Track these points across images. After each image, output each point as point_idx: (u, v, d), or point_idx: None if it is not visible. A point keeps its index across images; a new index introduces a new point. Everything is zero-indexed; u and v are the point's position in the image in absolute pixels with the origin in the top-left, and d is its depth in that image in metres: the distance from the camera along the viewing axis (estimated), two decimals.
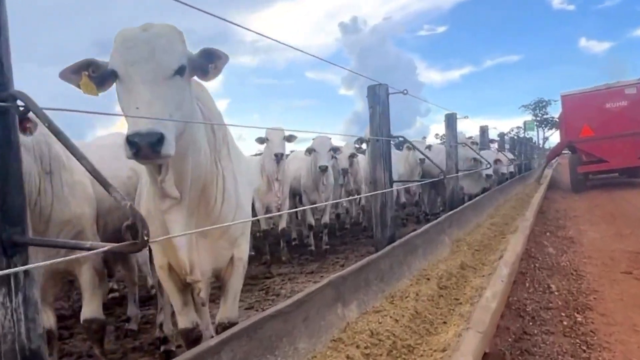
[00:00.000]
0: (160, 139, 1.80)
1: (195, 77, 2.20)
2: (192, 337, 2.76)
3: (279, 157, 6.90)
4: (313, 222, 8.20)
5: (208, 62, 2.15)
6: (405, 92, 4.62)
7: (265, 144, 7.09)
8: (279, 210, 7.22)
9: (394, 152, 10.60)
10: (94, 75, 2.01)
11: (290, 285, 5.95)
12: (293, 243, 9.07)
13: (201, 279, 2.52)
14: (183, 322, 2.77)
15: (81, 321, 3.17)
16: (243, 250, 2.79)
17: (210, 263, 2.61)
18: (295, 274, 6.59)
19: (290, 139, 7.04)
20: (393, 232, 4.72)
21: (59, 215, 2.90)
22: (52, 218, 2.88)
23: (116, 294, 5.93)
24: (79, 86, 1.99)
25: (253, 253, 8.10)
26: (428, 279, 4.04)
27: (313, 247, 7.88)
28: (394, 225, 4.71)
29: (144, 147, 1.78)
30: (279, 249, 7.76)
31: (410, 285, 3.89)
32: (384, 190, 4.52)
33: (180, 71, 2.03)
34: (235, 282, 2.80)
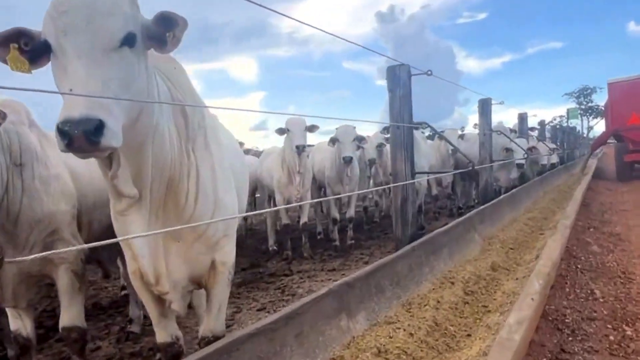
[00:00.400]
0: (99, 127, 1.44)
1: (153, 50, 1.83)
2: (172, 353, 2.42)
3: (300, 150, 6.53)
4: (337, 216, 7.82)
5: (165, 29, 1.75)
6: (429, 72, 4.15)
7: (285, 135, 6.72)
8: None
9: (427, 142, 10.10)
10: (27, 48, 1.66)
11: (308, 284, 5.61)
12: (318, 237, 8.72)
13: (170, 290, 2.16)
14: (161, 336, 2.42)
15: (59, 329, 2.88)
16: (227, 253, 2.41)
17: (185, 271, 2.23)
18: (316, 271, 6.24)
19: (311, 129, 6.66)
20: (416, 229, 4.29)
21: (29, 213, 2.61)
22: (21, 216, 2.59)
23: (127, 291, 5.69)
24: (5, 61, 1.64)
25: (276, 248, 7.81)
26: (452, 283, 3.61)
27: (337, 242, 7.52)
28: (416, 222, 4.27)
29: (77, 138, 1.42)
30: (302, 244, 7.41)
31: (431, 290, 3.47)
32: (405, 182, 4.08)
33: (128, 41, 1.65)
34: (220, 290, 2.42)
